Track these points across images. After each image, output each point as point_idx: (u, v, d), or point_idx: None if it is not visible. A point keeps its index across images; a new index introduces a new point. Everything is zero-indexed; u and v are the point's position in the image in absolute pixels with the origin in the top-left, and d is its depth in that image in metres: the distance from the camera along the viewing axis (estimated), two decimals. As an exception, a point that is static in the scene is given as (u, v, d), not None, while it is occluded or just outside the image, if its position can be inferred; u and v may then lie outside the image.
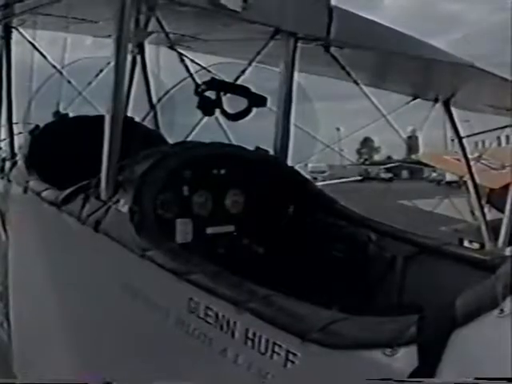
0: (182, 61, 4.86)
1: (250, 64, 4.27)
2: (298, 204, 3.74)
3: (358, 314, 3.42)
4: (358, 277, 3.57)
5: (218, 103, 3.46)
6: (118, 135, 3.03)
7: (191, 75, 4.61)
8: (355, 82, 4.88)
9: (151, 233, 2.77)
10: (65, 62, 5.19)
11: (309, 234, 3.72)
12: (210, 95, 3.45)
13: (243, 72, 4.31)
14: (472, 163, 10.99)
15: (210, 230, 3.49)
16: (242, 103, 3.58)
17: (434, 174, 41.00)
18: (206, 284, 2.33)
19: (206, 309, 2.28)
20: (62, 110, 4.56)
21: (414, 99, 10.27)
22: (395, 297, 3.39)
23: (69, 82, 6.28)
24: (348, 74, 4.66)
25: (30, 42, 4.70)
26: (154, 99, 5.49)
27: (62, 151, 3.98)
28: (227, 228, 3.57)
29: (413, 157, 17.84)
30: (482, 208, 9.75)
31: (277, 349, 2.02)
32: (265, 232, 3.69)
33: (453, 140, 13.38)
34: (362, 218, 3.65)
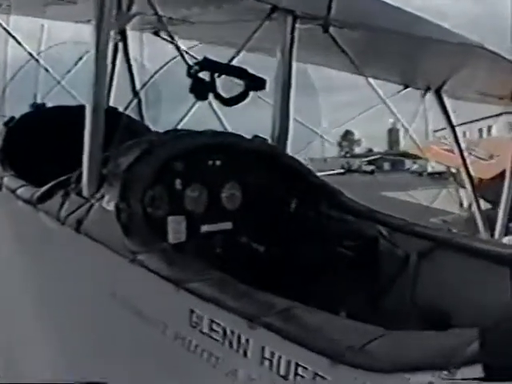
0: (171, 42, 4.50)
1: (243, 46, 3.94)
2: (300, 197, 3.40)
3: (368, 317, 3.14)
4: (367, 276, 3.25)
5: (211, 86, 3.10)
6: (100, 125, 2.72)
7: (182, 55, 4.24)
8: (355, 66, 4.58)
9: (141, 233, 2.42)
10: (41, 49, 4.91)
11: (313, 229, 3.38)
12: (203, 77, 3.09)
13: (235, 56, 3.98)
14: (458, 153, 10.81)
15: (205, 228, 3.14)
16: (239, 86, 3.23)
17: (416, 166, 41.10)
18: (210, 294, 1.99)
19: (211, 323, 1.93)
20: (39, 101, 4.36)
21: (404, 88, 10.00)
22: (409, 297, 3.08)
23: (46, 70, 5.96)
24: (347, 55, 4.36)
25: (4, 28, 4.40)
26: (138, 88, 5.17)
27: (40, 144, 3.63)
28: (224, 225, 3.23)
29: (400, 148, 17.77)
30: (476, 199, 9.56)
31: (301, 371, 1.67)
32: (265, 229, 3.35)
33: (435, 131, 13.23)
34: (370, 211, 3.33)
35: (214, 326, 1.92)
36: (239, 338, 1.83)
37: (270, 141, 3.64)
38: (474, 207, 10.46)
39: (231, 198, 3.26)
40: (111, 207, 2.54)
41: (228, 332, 1.87)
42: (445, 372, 1.44)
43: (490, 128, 20.62)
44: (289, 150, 3.72)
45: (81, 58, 5.56)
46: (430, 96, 9.39)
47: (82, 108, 2.83)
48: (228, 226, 3.24)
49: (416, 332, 1.77)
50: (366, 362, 1.58)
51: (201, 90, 3.09)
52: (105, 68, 2.87)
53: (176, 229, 3.00)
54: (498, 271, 2.80)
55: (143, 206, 2.74)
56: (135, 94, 5.06)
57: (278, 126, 3.69)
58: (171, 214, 3.00)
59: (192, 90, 3.05)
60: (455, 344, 1.49)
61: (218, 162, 3.17)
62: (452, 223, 12.24)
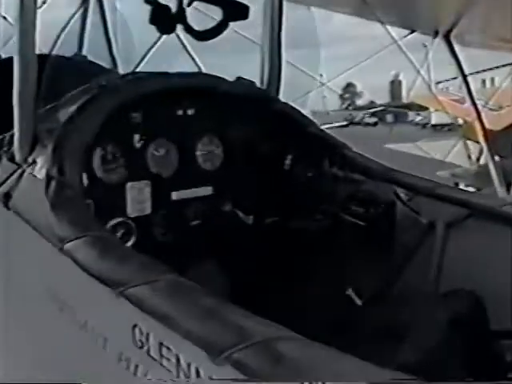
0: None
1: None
2: (297, 153, 2.74)
3: (381, 298, 2.49)
4: (381, 249, 2.61)
5: (180, 16, 2.41)
6: (31, 76, 2.09)
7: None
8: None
9: (75, 211, 1.77)
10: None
11: (313, 193, 2.74)
12: (168, 5, 2.40)
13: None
14: (466, 105, 10.27)
15: (176, 196, 2.51)
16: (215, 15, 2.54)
17: (419, 118, 40.31)
18: (155, 305, 1.35)
19: (161, 346, 1.31)
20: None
21: (411, 32, 9.29)
22: (432, 276, 2.45)
23: (4, 18, 5.47)
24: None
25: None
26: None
27: None
28: (202, 190, 2.60)
29: (403, 100, 17.26)
30: (490, 151, 8.98)
31: None
32: (254, 193, 2.72)
33: (438, 83, 12.70)
34: (385, 169, 2.67)
35: (165, 352, 1.29)
36: (198, 373, 1.21)
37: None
38: (486, 159, 9.91)
39: (209, 155, 2.62)
40: (42, 175, 1.92)
41: (182, 362, 1.24)
42: None
43: (493, 79, 20.10)
44: (282, 97, 3.03)
45: (44, 2, 4.93)
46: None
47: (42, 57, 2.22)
48: (207, 191, 2.61)
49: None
50: None
51: (165, 20, 2.39)
52: (33, 8, 2.21)
53: (137, 198, 2.37)
54: None
55: (88, 170, 2.13)
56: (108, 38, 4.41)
57: (267, 68, 2.99)
58: (130, 179, 2.37)
59: (153, 20, 2.36)
60: None
61: (190, 111, 2.52)
62: (461, 176, 11.70)
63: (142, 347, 1.36)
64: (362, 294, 2.63)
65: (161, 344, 1.29)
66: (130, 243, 2.35)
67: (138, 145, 2.38)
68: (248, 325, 1.24)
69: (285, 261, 2.72)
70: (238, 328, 1.23)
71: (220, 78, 2.63)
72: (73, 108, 2.10)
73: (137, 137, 2.37)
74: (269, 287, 2.72)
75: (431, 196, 2.48)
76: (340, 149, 2.75)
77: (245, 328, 1.22)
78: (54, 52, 3.31)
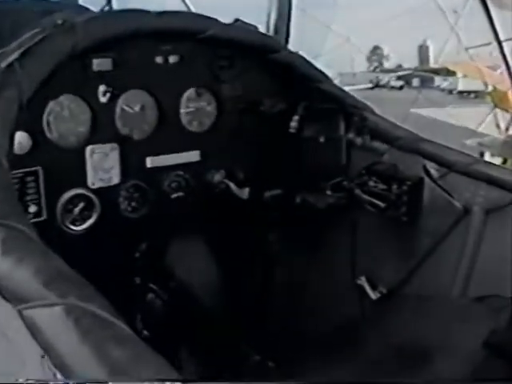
0: None
1: None
2: (306, 114, 2.25)
3: (401, 297, 2.16)
4: (402, 236, 2.17)
5: None
6: None
7: None
8: None
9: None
10: None
11: (324, 163, 2.27)
12: None
13: None
14: (499, 71, 9.79)
15: (152, 162, 2.07)
16: None
17: (446, 83, 39.68)
18: (56, 343, 0.92)
19: None
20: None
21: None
22: (463, 273, 2.01)
23: None
24: None
25: None
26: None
27: None
28: (185, 156, 2.16)
29: (433, 66, 16.82)
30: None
31: None
32: (251, 161, 2.28)
33: (467, 49, 12.32)
34: (414, 138, 2.19)
35: None
36: None
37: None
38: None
39: (197, 113, 2.17)
40: None
41: None
42: None
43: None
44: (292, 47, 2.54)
45: None
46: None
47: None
48: (192, 157, 2.17)
49: None
50: None
51: None
52: None
53: (101, 165, 1.93)
54: None
55: (35, 130, 1.73)
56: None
57: (274, 12, 2.49)
58: (92, 141, 1.93)
59: None
60: None
61: (172, 58, 2.05)
62: (488, 146, 11.22)
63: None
64: (377, 286, 2.21)
65: None
66: (91, 220, 1.95)
67: (103, 98, 1.93)
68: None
69: (285, 243, 2.29)
70: None
71: (212, 18, 2.14)
72: (16, 53, 1.65)
73: (102, 88, 1.92)
74: (264, 274, 2.32)
75: (468, 174, 2.00)
76: (359, 110, 2.27)
77: None
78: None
